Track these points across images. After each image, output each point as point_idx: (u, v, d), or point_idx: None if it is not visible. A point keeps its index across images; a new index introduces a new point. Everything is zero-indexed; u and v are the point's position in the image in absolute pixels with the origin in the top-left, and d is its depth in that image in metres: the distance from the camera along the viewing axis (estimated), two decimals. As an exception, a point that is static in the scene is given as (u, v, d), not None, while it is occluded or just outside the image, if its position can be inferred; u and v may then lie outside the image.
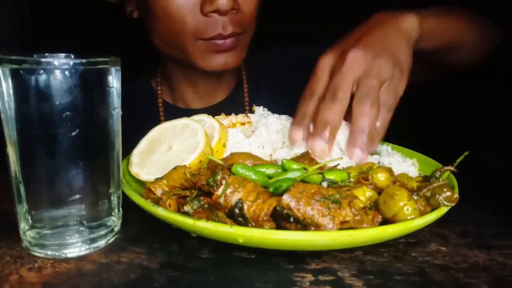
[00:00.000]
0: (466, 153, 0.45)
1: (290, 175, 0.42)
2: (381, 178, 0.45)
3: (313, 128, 0.52)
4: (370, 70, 0.52)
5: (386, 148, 0.59)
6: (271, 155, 0.54)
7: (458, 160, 0.45)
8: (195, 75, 0.87)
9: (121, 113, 0.42)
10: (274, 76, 0.93)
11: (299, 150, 0.53)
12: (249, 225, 0.38)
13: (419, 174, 0.53)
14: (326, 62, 0.55)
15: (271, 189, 0.40)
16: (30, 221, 0.39)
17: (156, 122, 0.58)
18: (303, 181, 0.42)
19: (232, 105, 0.90)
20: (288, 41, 0.96)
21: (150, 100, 0.93)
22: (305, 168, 0.43)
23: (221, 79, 0.91)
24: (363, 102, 0.50)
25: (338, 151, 0.53)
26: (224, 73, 0.89)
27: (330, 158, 0.50)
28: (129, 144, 0.54)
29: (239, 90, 0.93)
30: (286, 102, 0.61)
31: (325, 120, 0.51)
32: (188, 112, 0.61)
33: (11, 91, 0.36)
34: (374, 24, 0.58)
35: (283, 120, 0.59)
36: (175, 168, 0.46)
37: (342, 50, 0.54)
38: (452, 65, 0.76)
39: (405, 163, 0.53)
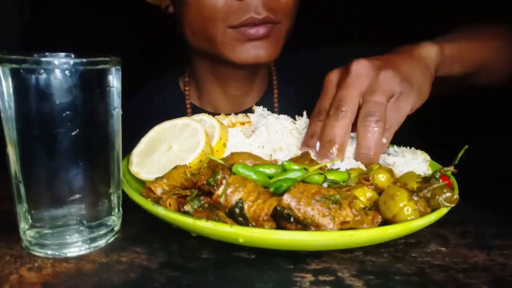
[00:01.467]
0: (466, 146, 0.45)
1: (291, 175, 0.42)
2: (381, 178, 0.45)
3: (320, 147, 0.51)
4: (376, 83, 0.50)
5: (393, 148, 0.58)
6: (271, 155, 0.54)
7: (460, 154, 0.45)
8: (227, 75, 0.84)
9: (121, 113, 0.42)
10: (302, 80, 0.89)
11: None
12: (250, 225, 0.38)
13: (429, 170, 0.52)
14: (332, 78, 0.54)
15: (271, 189, 0.40)
16: (30, 220, 0.39)
17: None
18: (303, 181, 0.42)
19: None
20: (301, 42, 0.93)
21: (177, 100, 0.89)
22: (305, 169, 0.43)
23: (253, 83, 0.87)
24: (367, 121, 0.49)
25: (346, 158, 0.53)
26: (257, 73, 0.85)
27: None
28: (133, 146, 0.53)
29: (270, 95, 0.89)
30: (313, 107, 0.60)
31: (331, 137, 0.50)
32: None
33: (11, 90, 0.36)
34: (392, 54, 0.57)
35: (282, 120, 0.58)
36: (175, 168, 0.46)
37: (349, 65, 0.53)
38: (480, 85, 0.73)
39: (416, 160, 0.53)
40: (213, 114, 0.82)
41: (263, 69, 0.88)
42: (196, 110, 0.88)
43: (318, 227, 0.36)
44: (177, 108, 0.89)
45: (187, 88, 0.89)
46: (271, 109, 0.85)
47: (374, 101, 0.50)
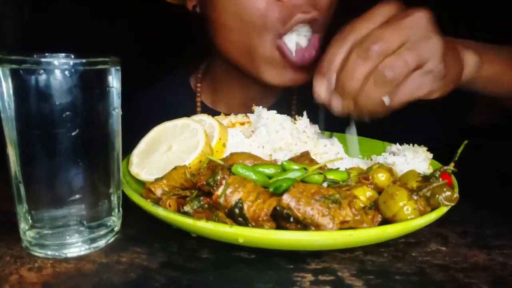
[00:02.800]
0: (466, 142, 0.45)
1: (290, 175, 0.42)
2: (381, 178, 0.45)
3: (336, 84, 0.47)
4: (421, 43, 0.45)
5: (396, 146, 0.58)
6: (271, 155, 0.54)
7: (459, 150, 0.45)
8: (249, 81, 0.77)
9: (121, 113, 0.42)
10: None
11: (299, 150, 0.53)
12: (249, 225, 0.38)
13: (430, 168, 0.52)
14: (384, 9, 0.47)
15: (271, 189, 0.40)
16: (30, 221, 0.39)
17: None
18: (303, 181, 0.42)
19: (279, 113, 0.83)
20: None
21: (187, 99, 0.84)
22: (305, 168, 0.43)
23: (273, 89, 0.81)
24: (382, 67, 0.44)
25: (341, 151, 0.53)
26: None
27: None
28: (133, 146, 0.53)
29: (286, 97, 0.84)
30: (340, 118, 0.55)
31: (351, 78, 0.45)
32: None
33: (11, 91, 0.36)
34: None
35: (282, 120, 0.58)
36: (175, 168, 0.46)
37: (411, 8, 0.46)
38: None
39: (416, 159, 0.52)
40: (226, 115, 0.78)
41: None
42: (206, 109, 0.84)
43: (317, 227, 0.36)
44: (186, 107, 0.84)
45: (199, 85, 0.84)
46: (289, 112, 0.81)
47: (403, 59, 0.44)
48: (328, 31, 0.71)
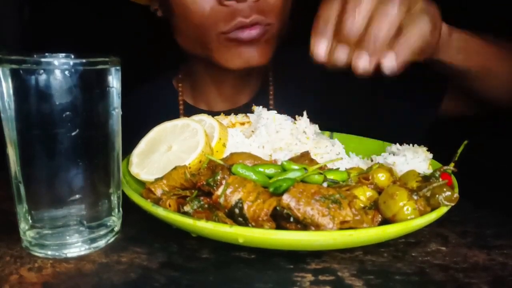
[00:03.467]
0: (466, 142, 0.45)
1: (290, 175, 0.42)
2: (381, 178, 0.45)
3: (338, 36, 0.46)
4: None
5: (396, 146, 0.58)
6: (271, 155, 0.54)
7: (459, 150, 0.45)
8: (221, 74, 0.83)
9: (121, 113, 0.42)
10: (303, 78, 0.87)
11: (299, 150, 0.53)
12: (249, 225, 0.38)
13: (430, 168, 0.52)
14: None
15: (271, 189, 0.40)
16: (30, 221, 0.39)
17: None
18: (303, 181, 0.42)
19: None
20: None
21: (170, 99, 0.90)
22: (305, 168, 0.43)
23: (248, 80, 0.86)
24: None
25: (342, 151, 0.53)
26: (252, 73, 0.85)
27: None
28: (133, 146, 0.53)
29: (264, 92, 0.88)
30: (315, 106, 0.57)
31: (354, 22, 0.45)
32: (210, 114, 0.58)
33: (11, 91, 0.36)
34: None
35: (282, 120, 0.58)
36: (175, 168, 0.46)
37: None
38: (486, 98, 0.70)
39: (416, 159, 0.52)
40: (207, 112, 0.82)
41: (257, 68, 0.87)
42: (189, 108, 0.89)
43: (318, 226, 0.36)
44: (170, 106, 0.89)
45: (180, 85, 0.90)
46: (267, 106, 0.84)
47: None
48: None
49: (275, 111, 0.59)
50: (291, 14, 0.77)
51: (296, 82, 0.88)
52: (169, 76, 0.93)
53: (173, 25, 0.77)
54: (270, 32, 0.73)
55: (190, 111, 0.87)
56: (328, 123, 0.67)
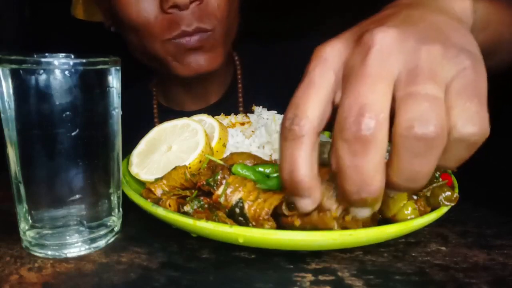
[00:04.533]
0: None
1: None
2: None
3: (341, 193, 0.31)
4: (417, 62, 0.28)
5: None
6: (271, 155, 0.54)
7: None
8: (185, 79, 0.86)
9: (121, 113, 0.42)
10: (273, 74, 0.90)
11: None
12: (250, 224, 0.38)
13: None
14: (331, 53, 0.31)
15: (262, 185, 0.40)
16: (30, 221, 0.39)
17: (151, 123, 0.57)
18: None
19: (228, 105, 0.88)
20: (284, 37, 0.93)
21: (146, 102, 0.93)
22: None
23: (215, 79, 0.88)
24: (415, 134, 0.27)
25: None
26: (215, 73, 0.85)
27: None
28: (127, 146, 0.53)
29: (234, 90, 0.90)
30: (285, 102, 0.59)
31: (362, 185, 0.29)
32: (183, 114, 0.59)
33: (11, 91, 0.36)
34: (402, 7, 0.35)
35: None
36: (175, 168, 0.46)
37: (359, 34, 0.31)
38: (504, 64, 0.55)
39: None
40: (179, 112, 0.85)
41: (221, 67, 0.88)
42: (163, 110, 0.91)
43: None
44: (145, 108, 0.92)
45: (154, 89, 0.93)
46: (236, 104, 0.88)
47: (422, 94, 0.27)
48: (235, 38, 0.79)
49: (275, 111, 0.59)
50: (242, 14, 0.79)
51: (267, 78, 0.90)
52: (146, 81, 0.96)
53: (126, 40, 0.78)
54: (213, 38, 0.73)
55: (164, 111, 0.90)
56: None
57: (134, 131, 0.55)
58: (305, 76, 0.32)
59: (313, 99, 0.31)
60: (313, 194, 0.32)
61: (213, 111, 0.65)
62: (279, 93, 0.80)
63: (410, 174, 0.29)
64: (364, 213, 0.32)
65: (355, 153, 0.28)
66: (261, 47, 0.93)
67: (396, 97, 0.28)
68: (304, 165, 0.30)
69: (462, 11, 0.37)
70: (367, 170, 0.28)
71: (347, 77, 0.30)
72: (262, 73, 0.91)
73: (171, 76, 0.87)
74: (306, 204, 0.33)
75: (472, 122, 0.28)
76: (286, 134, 0.31)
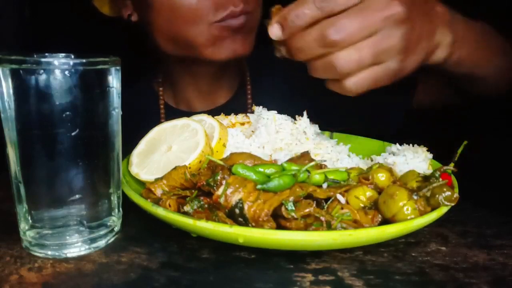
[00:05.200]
0: (465, 142, 0.45)
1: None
2: (381, 178, 0.45)
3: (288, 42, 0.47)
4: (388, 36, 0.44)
5: (396, 146, 0.58)
6: (271, 155, 0.54)
7: (459, 151, 0.45)
8: (197, 73, 0.85)
9: (121, 113, 0.42)
10: (282, 76, 0.89)
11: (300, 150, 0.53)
12: (250, 225, 0.38)
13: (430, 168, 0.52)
14: None
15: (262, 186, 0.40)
16: (30, 221, 0.39)
17: (157, 124, 0.56)
18: (304, 181, 0.42)
19: (236, 106, 0.88)
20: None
21: (151, 102, 0.91)
22: (308, 171, 0.43)
23: (223, 78, 0.88)
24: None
25: (347, 158, 0.53)
26: (226, 70, 0.86)
27: None
28: (130, 146, 0.54)
29: (242, 91, 0.90)
30: (292, 104, 0.58)
31: (302, 49, 0.46)
32: (191, 115, 0.59)
33: (11, 91, 0.36)
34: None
35: (282, 120, 0.58)
36: (175, 168, 0.46)
37: None
38: (475, 93, 0.69)
39: (416, 159, 0.52)
40: (188, 113, 0.83)
41: (232, 65, 0.88)
42: (170, 110, 0.90)
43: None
44: (151, 109, 0.90)
45: (160, 89, 0.91)
46: (245, 105, 0.88)
47: (360, 54, 0.44)
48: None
49: (275, 111, 0.59)
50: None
51: (273, 80, 0.90)
52: (149, 79, 0.94)
53: (153, 27, 0.77)
54: (252, 21, 0.75)
55: (171, 112, 0.89)
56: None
57: (139, 131, 0.55)
58: None
59: None
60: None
61: (221, 112, 0.65)
62: (288, 94, 0.80)
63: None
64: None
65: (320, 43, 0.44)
66: (270, 48, 0.92)
67: None
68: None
69: (439, 38, 0.50)
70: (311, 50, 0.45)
71: None
72: (271, 74, 0.90)
73: (180, 72, 0.86)
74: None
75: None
76: None
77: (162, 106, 0.91)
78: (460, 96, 0.73)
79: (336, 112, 0.74)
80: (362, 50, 0.44)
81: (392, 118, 0.80)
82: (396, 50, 0.45)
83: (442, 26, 0.50)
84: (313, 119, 0.61)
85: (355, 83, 0.46)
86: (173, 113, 0.88)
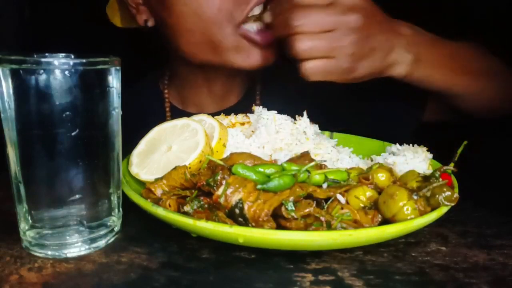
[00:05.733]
0: (465, 142, 0.45)
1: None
2: (381, 178, 0.45)
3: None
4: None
5: (396, 146, 0.58)
6: (271, 155, 0.54)
7: (459, 151, 0.45)
8: (213, 76, 0.83)
9: (121, 113, 0.42)
10: (291, 79, 0.87)
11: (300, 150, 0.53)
12: (250, 225, 0.38)
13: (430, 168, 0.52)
14: None
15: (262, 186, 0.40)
16: (30, 221, 0.39)
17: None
18: (304, 181, 0.42)
19: (245, 108, 0.83)
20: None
21: (156, 103, 0.89)
22: (308, 171, 0.43)
23: (236, 79, 0.87)
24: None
25: (347, 158, 0.53)
26: (240, 73, 0.85)
27: None
28: (130, 146, 0.54)
29: (252, 92, 0.89)
30: (300, 105, 0.58)
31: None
32: None
33: (11, 91, 0.36)
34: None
35: (282, 120, 0.58)
36: (175, 168, 0.46)
37: None
38: (466, 111, 0.72)
39: (416, 159, 0.52)
40: (196, 114, 0.81)
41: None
42: (176, 112, 0.88)
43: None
44: (156, 111, 0.89)
45: (166, 91, 0.90)
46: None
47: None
48: None
49: (275, 111, 0.59)
50: None
51: (282, 82, 0.88)
52: (154, 80, 0.92)
53: (175, 31, 0.73)
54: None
55: (178, 115, 0.85)
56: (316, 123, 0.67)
57: (142, 132, 0.55)
58: None
59: None
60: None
61: (232, 113, 0.64)
62: (296, 96, 0.79)
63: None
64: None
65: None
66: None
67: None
68: None
69: (399, 59, 0.59)
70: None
71: None
72: (280, 77, 0.88)
73: (192, 73, 0.84)
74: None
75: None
76: None
77: (168, 109, 0.89)
78: (455, 113, 0.74)
79: (345, 119, 0.74)
80: (316, 40, 0.53)
81: (398, 133, 0.80)
82: (346, 51, 0.54)
83: (403, 46, 0.58)
84: (313, 119, 0.61)
85: (309, 68, 0.55)
86: (180, 115, 0.86)
